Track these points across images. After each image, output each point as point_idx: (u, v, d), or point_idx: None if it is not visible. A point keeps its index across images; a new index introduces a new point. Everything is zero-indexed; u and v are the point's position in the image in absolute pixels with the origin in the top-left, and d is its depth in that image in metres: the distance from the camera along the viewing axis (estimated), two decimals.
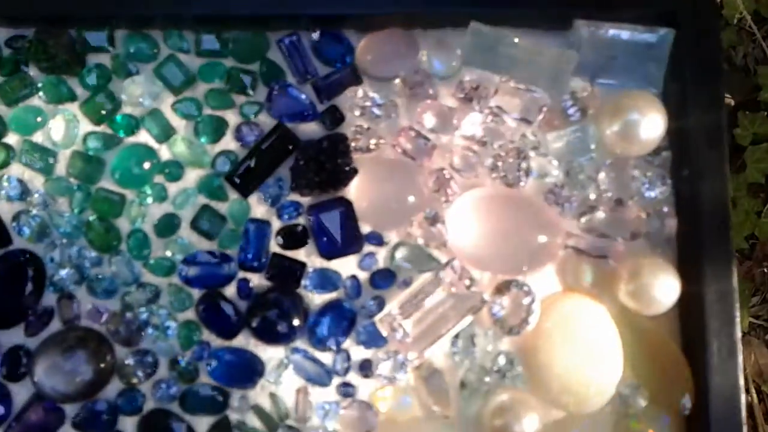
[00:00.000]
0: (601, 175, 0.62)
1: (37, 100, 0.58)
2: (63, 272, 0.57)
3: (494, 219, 0.59)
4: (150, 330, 0.58)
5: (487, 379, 0.60)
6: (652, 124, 0.60)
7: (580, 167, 0.62)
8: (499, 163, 0.61)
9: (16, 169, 0.58)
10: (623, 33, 0.62)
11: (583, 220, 0.62)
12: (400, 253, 0.60)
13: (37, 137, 0.59)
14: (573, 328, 0.60)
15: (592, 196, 0.62)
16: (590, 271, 0.61)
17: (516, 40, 0.61)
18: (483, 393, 0.60)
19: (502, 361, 0.60)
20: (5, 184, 0.57)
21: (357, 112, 0.60)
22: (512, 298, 0.60)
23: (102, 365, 0.57)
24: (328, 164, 0.58)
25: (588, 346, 0.60)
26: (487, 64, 0.61)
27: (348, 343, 0.60)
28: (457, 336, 0.60)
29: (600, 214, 0.61)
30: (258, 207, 0.60)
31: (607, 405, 0.60)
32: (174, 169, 0.58)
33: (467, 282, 0.59)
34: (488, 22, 0.60)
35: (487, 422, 0.59)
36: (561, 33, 0.62)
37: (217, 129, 0.59)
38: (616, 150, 0.62)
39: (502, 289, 0.60)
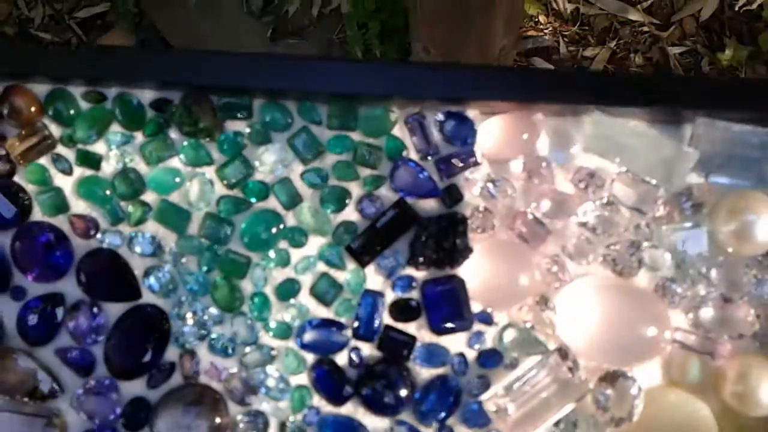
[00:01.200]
0: (713, 272, 0.64)
1: (177, 162, 0.63)
2: (186, 328, 0.61)
3: (604, 308, 0.62)
4: (263, 390, 0.61)
5: None
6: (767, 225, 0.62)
7: (691, 262, 0.64)
8: (612, 253, 0.63)
9: (151, 226, 0.63)
10: (742, 132, 0.64)
11: (691, 315, 0.64)
12: (508, 335, 0.64)
13: (174, 197, 0.63)
14: (675, 423, 0.62)
15: (702, 292, 0.64)
16: (696, 367, 0.64)
17: (635, 131, 0.63)
18: None
19: None
20: (140, 239, 0.62)
21: (476, 192, 0.64)
22: (618, 388, 0.62)
23: (217, 421, 0.61)
24: (446, 242, 0.62)
25: None
26: (605, 152, 0.65)
27: (452, 421, 0.64)
28: (559, 422, 0.63)
29: (708, 311, 0.64)
30: (374, 278, 0.64)
31: None
32: (298, 236, 0.63)
33: (573, 369, 0.61)
34: (610, 113, 0.63)
35: None
36: (680, 128, 0.66)
37: (341, 199, 0.64)
38: (729, 248, 0.64)
39: (608, 378, 0.63)
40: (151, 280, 0.62)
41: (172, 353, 0.62)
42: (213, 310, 0.62)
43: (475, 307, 0.64)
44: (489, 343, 0.64)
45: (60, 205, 0.63)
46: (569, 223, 0.65)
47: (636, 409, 0.62)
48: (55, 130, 0.63)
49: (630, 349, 0.63)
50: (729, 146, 0.65)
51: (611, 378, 0.63)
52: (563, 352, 0.62)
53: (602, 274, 0.65)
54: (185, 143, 0.63)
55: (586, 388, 0.62)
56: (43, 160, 0.63)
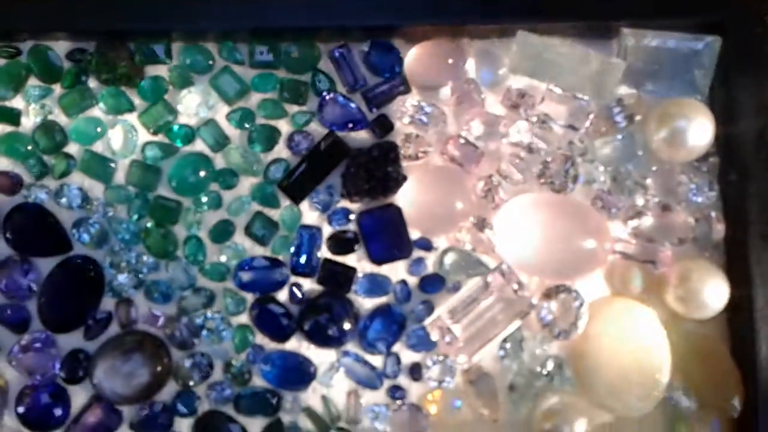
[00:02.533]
0: (648, 181, 0.67)
1: (97, 111, 0.65)
2: (121, 277, 0.63)
3: (542, 224, 0.64)
4: (205, 333, 0.63)
5: (536, 382, 0.65)
6: (699, 130, 0.65)
7: (627, 173, 0.67)
8: (547, 170, 0.66)
9: (76, 178, 0.64)
10: (669, 41, 0.67)
11: (630, 225, 0.67)
12: (448, 259, 0.66)
13: (97, 147, 0.64)
14: (621, 332, 0.65)
15: (640, 202, 0.67)
16: (638, 276, 0.66)
17: (562, 48, 0.65)
18: (532, 396, 0.65)
19: (550, 365, 0.66)
20: (66, 192, 0.63)
21: (406, 121, 0.66)
22: (561, 302, 0.65)
23: (159, 368, 0.62)
24: (378, 172, 0.64)
25: (636, 350, 0.65)
26: (533, 72, 0.67)
27: (398, 347, 0.66)
28: (505, 340, 0.66)
29: (647, 220, 0.67)
30: (309, 214, 0.66)
31: (656, 409, 0.64)
32: (228, 178, 0.65)
33: (515, 287, 0.64)
34: (535, 32, 0.65)
35: (536, 425, 0.65)
36: (607, 42, 0.68)
37: (270, 138, 0.66)
38: (663, 156, 0.67)
39: (550, 293, 0.65)
40: (81, 231, 0.63)
41: (108, 303, 0.64)
42: (147, 258, 0.63)
43: (414, 234, 0.66)
44: (430, 268, 0.66)
45: None
46: (502, 144, 0.67)
47: (581, 320, 0.64)
48: None
49: (571, 262, 0.65)
50: (657, 56, 0.67)
51: (554, 292, 0.65)
52: (504, 271, 0.64)
53: (538, 191, 0.66)
54: (104, 92, 0.64)
55: (530, 304, 0.64)
56: None
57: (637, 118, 0.68)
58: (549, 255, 0.65)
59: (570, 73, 0.67)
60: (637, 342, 0.65)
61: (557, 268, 0.65)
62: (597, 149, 0.68)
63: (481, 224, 0.65)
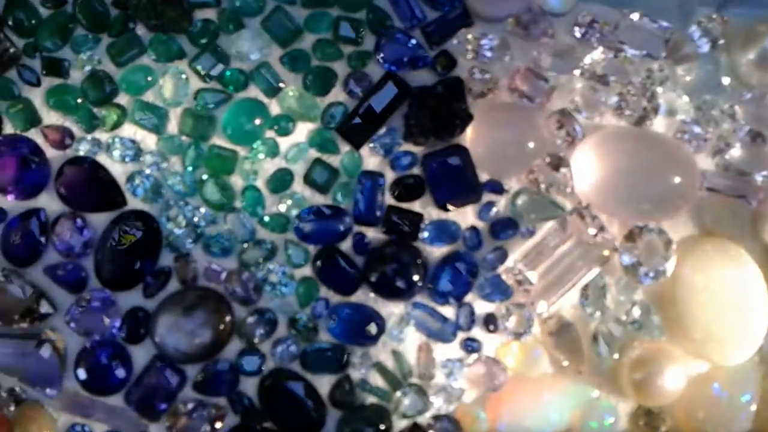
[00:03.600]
0: (736, 109, 0.63)
1: (147, 59, 0.63)
2: (178, 232, 0.62)
3: (623, 160, 0.62)
4: (268, 288, 0.62)
5: (622, 330, 0.62)
6: None
7: (712, 102, 0.64)
8: (624, 101, 0.63)
9: (128, 130, 0.63)
10: None
11: (718, 158, 0.64)
12: (521, 201, 0.64)
13: (148, 96, 0.64)
14: (714, 273, 0.62)
15: (728, 132, 0.63)
16: (729, 213, 0.63)
17: None
18: (618, 345, 0.62)
19: (636, 311, 0.63)
20: (118, 145, 0.62)
21: (469, 56, 0.63)
22: (646, 244, 0.62)
23: (222, 325, 0.61)
24: (442, 111, 0.61)
25: (731, 292, 0.62)
26: None
27: (470, 297, 0.64)
28: (586, 287, 0.63)
29: (737, 151, 0.63)
30: (371, 158, 0.64)
31: (754, 355, 0.60)
32: (284, 124, 0.63)
33: (595, 229, 0.61)
34: None
35: (625, 376, 0.61)
36: None
37: (326, 81, 0.64)
38: (752, 80, 0.64)
39: (634, 235, 0.62)
40: (135, 184, 0.62)
41: (166, 259, 0.63)
42: (204, 210, 0.62)
43: (483, 176, 0.64)
44: (501, 212, 0.64)
45: (31, 117, 0.63)
46: (574, 76, 0.64)
47: (669, 263, 0.61)
48: (17, 41, 0.63)
49: (655, 200, 0.62)
50: None
51: (638, 233, 0.62)
52: (582, 212, 0.61)
53: (616, 124, 0.63)
54: (153, 38, 0.63)
55: (612, 248, 0.61)
56: (9, 74, 0.63)
57: (721, 41, 0.64)
58: (630, 193, 0.62)
59: None
60: (731, 284, 0.62)
61: (640, 207, 0.63)
62: (678, 77, 0.64)
63: (556, 163, 0.63)
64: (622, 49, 0.64)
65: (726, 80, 0.64)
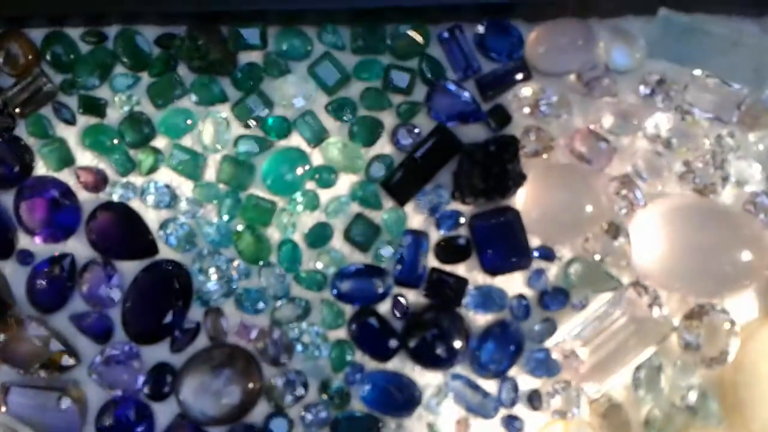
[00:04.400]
0: None
1: (187, 102, 0.62)
2: (210, 284, 0.60)
3: (687, 232, 0.59)
4: (300, 349, 0.59)
5: (677, 416, 0.59)
6: None
7: None
8: (691, 168, 0.60)
9: (164, 175, 0.61)
10: None
11: None
12: (574, 270, 0.61)
13: (186, 141, 0.62)
14: None
15: None
16: None
17: (711, 26, 0.60)
18: None
19: (693, 396, 0.60)
20: (153, 190, 0.61)
21: (526, 111, 0.61)
22: (707, 324, 0.59)
23: (250, 386, 0.60)
24: (494, 170, 0.59)
25: None
26: (675, 55, 0.62)
27: (515, 371, 0.61)
28: (640, 367, 0.60)
29: None
30: (415, 216, 0.62)
31: None
32: (326, 175, 0.61)
33: (653, 305, 0.58)
34: (677, 7, 0.59)
35: None
36: (764, 18, 0.62)
37: (373, 131, 0.62)
38: None
39: (695, 314, 0.60)
40: (168, 233, 0.61)
41: (196, 312, 0.61)
42: (238, 263, 0.60)
43: (534, 241, 0.61)
44: (552, 281, 0.61)
45: (65, 157, 0.62)
46: (638, 138, 0.61)
47: (731, 347, 0.59)
48: (54, 77, 0.62)
49: (720, 277, 0.58)
50: None
51: (699, 313, 0.59)
52: (640, 286, 0.58)
53: (680, 193, 0.60)
54: (195, 80, 0.61)
55: (670, 327, 0.59)
56: (44, 111, 0.62)
57: None
58: (694, 268, 0.59)
59: (719, 55, 0.61)
60: None
61: (703, 284, 0.59)
62: (750, 144, 0.62)
63: (614, 231, 0.60)
64: (691, 112, 0.60)
65: None
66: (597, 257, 0.60)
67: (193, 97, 0.62)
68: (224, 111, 0.62)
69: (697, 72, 0.61)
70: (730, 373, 0.59)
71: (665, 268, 0.59)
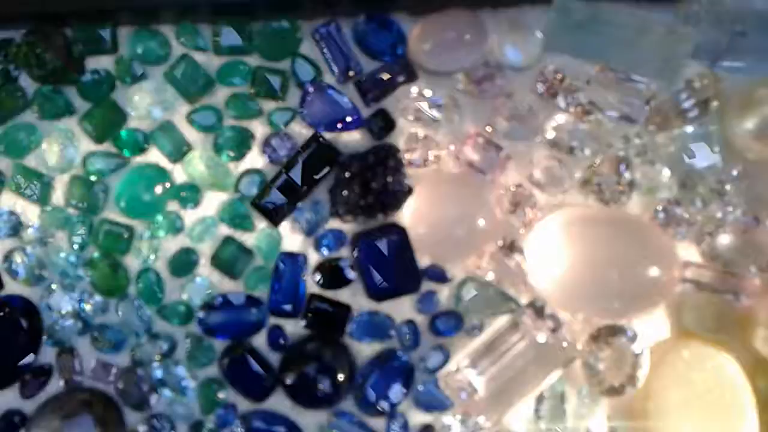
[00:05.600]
0: (728, 187, 0.57)
1: (30, 116, 0.57)
2: (63, 321, 0.56)
3: (589, 247, 0.55)
4: (165, 391, 0.56)
5: None
6: None
7: (699, 177, 0.57)
8: (594, 175, 0.57)
9: (6, 200, 0.58)
10: (754, 1, 0.56)
11: (704, 245, 0.57)
12: (467, 292, 0.57)
13: (30, 161, 0.58)
14: (692, 385, 0.56)
15: (718, 215, 0.57)
16: (715, 312, 0.57)
17: (614, 16, 0.55)
18: None
19: (601, 429, 0.57)
20: None
21: (411, 117, 0.58)
22: (614, 348, 0.56)
23: None
24: (375, 183, 0.55)
25: (714, 409, 0.55)
26: (576, 48, 0.57)
27: (405, 406, 0.58)
28: (541, 396, 0.57)
29: (727, 238, 0.57)
30: (291, 238, 0.58)
31: None
32: (191, 194, 0.58)
33: (553, 328, 0.56)
34: None
35: None
36: (672, 6, 0.57)
37: (242, 143, 0.58)
38: (749, 154, 0.57)
39: (600, 336, 0.57)
40: (13, 265, 0.56)
41: (48, 354, 0.57)
42: (93, 297, 0.56)
43: (423, 260, 0.57)
44: (444, 304, 0.58)
45: None
46: (535, 144, 0.58)
47: (640, 371, 0.56)
48: None
49: (627, 296, 0.55)
50: (738, 22, 0.56)
51: (605, 335, 0.57)
52: (539, 308, 0.55)
53: (583, 204, 0.57)
54: (38, 91, 0.56)
55: (574, 351, 0.56)
56: None
57: (713, 104, 0.57)
58: (597, 287, 0.55)
59: (624, 48, 0.56)
60: (714, 398, 0.55)
61: (609, 304, 0.56)
62: (660, 147, 0.57)
63: (510, 248, 0.57)
64: (593, 111, 0.56)
65: (716, 152, 0.56)
66: (492, 277, 0.56)
67: (36, 110, 0.56)
68: (71, 125, 0.56)
69: (600, 67, 0.56)
70: (640, 400, 0.56)
71: (566, 287, 0.55)
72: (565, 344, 0.56)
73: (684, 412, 0.55)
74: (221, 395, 0.57)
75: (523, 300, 0.57)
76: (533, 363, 0.56)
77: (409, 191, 0.56)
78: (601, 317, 0.57)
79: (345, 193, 0.55)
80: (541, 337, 0.55)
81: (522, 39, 0.58)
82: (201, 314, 0.56)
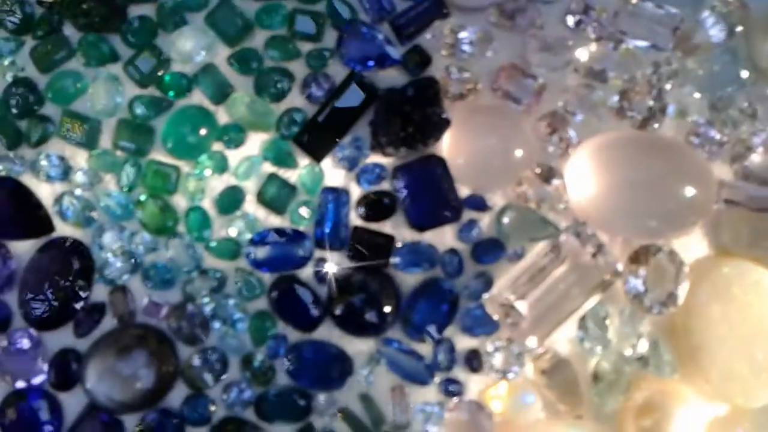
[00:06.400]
0: (758, 107, 0.58)
1: (76, 63, 0.59)
2: (114, 261, 0.57)
3: (626, 170, 0.56)
4: (217, 324, 0.57)
5: (627, 368, 0.57)
6: None
7: (729, 99, 0.59)
8: (627, 101, 0.59)
9: (55, 145, 0.58)
10: None
11: (737, 165, 0.59)
12: (507, 219, 0.59)
13: (78, 106, 0.59)
14: (734, 300, 0.57)
15: (748, 134, 0.59)
16: (751, 229, 0.58)
17: None
18: (623, 386, 0.57)
19: (644, 345, 0.58)
20: (44, 162, 0.58)
21: (445, 52, 0.59)
22: (653, 267, 0.57)
23: (164, 368, 0.57)
24: (415, 115, 0.56)
25: (754, 322, 0.56)
26: None
27: (451, 331, 0.59)
28: (584, 317, 0.58)
29: (759, 157, 0.58)
30: (334, 173, 0.60)
31: None
32: (234, 134, 0.59)
33: (594, 250, 0.56)
34: None
35: (630, 422, 0.56)
36: None
37: (282, 83, 0.60)
38: None
39: (639, 256, 0.58)
40: (64, 208, 0.58)
41: (100, 292, 0.58)
42: (142, 236, 0.58)
43: (463, 190, 0.59)
44: (485, 232, 0.59)
45: None
46: (568, 72, 0.59)
47: (680, 289, 0.57)
48: None
49: (664, 215, 0.56)
50: None
51: (644, 254, 0.58)
52: (579, 230, 0.56)
53: (617, 128, 0.59)
54: (82, 39, 0.58)
55: (614, 272, 0.56)
56: None
57: (739, 28, 0.59)
58: (635, 208, 0.57)
59: None
60: (755, 313, 0.56)
61: (647, 225, 0.57)
62: (689, 71, 0.59)
63: (547, 174, 0.58)
64: (623, 40, 0.58)
65: (745, 74, 0.58)
66: (531, 203, 0.58)
67: (81, 58, 0.58)
68: (116, 70, 0.58)
69: None
70: (682, 317, 0.57)
71: (605, 209, 0.57)
72: (605, 265, 0.56)
73: (725, 328, 0.56)
74: (271, 327, 0.58)
75: (563, 224, 0.58)
76: (575, 285, 0.57)
77: (447, 123, 0.58)
78: (639, 237, 0.58)
79: (386, 125, 0.57)
80: (582, 259, 0.56)
81: None
82: (249, 249, 0.57)
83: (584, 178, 0.57)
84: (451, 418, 0.58)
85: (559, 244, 0.57)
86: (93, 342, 0.58)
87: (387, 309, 0.57)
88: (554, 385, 0.57)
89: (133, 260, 0.58)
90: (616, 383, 0.57)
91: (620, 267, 0.57)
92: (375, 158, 0.59)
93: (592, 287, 0.56)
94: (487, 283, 0.58)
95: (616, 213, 0.57)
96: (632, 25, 0.59)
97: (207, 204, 0.59)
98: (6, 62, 0.59)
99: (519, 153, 0.57)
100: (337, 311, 0.58)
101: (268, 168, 0.59)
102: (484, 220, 0.59)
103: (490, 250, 0.58)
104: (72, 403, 0.58)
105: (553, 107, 0.59)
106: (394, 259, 0.58)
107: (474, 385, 0.58)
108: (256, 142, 0.59)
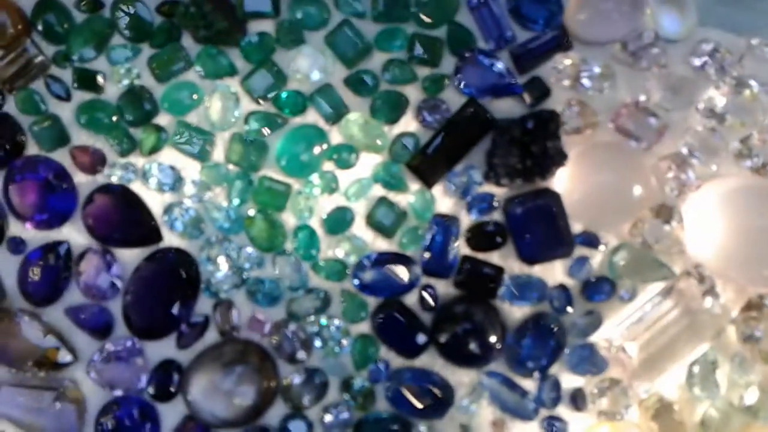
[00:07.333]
0: None
1: (193, 75, 0.60)
2: (220, 274, 0.57)
3: (745, 216, 0.57)
4: (319, 344, 0.57)
5: (736, 417, 0.57)
6: None
7: None
8: (749, 146, 0.58)
9: (168, 155, 0.59)
10: None
11: None
12: (621, 258, 0.59)
13: (192, 117, 0.60)
14: None
15: None
16: None
17: None
18: None
19: (753, 394, 0.57)
20: (155, 171, 0.58)
21: (566, 84, 0.59)
22: (766, 316, 0.57)
23: (265, 385, 0.57)
24: (533, 147, 0.56)
25: None
26: (730, 22, 0.59)
27: (556, 368, 0.59)
28: (694, 363, 0.58)
29: None
30: (444, 200, 0.60)
31: None
32: (346, 155, 0.59)
33: (708, 297, 0.56)
34: None
35: None
36: None
37: (397, 107, 0.60)
38: None
39: (755, 304, 0.58)
40: (173, 218, 0.58)
41: (204, 305, 0.59)
42: (250, 251, 0.58)
43: (576, 226, 0.59)
44: (596, 270, 0.59)
45: (58, 136, 0.60)
46: (690, 113, 0.59)
47: None
48: (46, 48, 0.60)
49: None
50: None
51: (759, 303, 0.58)
52: (695, 275, 0.56)
53: (737, 173, 0.58)
54: (201, 51, 0.59)
55: (727, 319, 0.56)
56: (35, 85, 0.60)
57: None
58: (753, 255, 0.57)
59: None
60: None
61: (763, 273, 0.57)
62: None
63: (665, 215, 0.58)
64: (747, 84, 0.58)
65: None
66: (647, 244, 0.57)
67: (199, 70, 0.59)
68: (233, 85, 0.59)
69: (755, 41, 0.58)
70: None
71: (722, 255, 0.57)
72: (719, 312, 0.56)
73: None
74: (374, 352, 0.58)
75: (678, 268, 0.58)
76: (686, 330, 0.57)
77: (565, 157, 0.58)
78: (755, 285, 0.57)
79: (504, 156, 0.57)
80: (697, 305, 0.56)
81: (677, 11, 0.60)
82: (356, 271, 0.58)
83: (704, 221, 0.57)
84: None
85: (672, 287, 0.57)
86: (197, 355, 0.58)
87: (492, 340, 0.58)
88: (660, 430, 0.57)
89: (239, 275, 0.58)
90: (724, 431, 0.57)
91: (734, 314, 0.56)
92: (488, 188, 0.59)
93: (703, 333, 0.56)
94: (596, 322, 0.58)
95: (732, 259, 0.57)
96: (757, 69, 0.58)
97: (315, 223, 0.59)
98: (122, 70, 0.60)
99: (637, 191, 0.57)
100: (441, 339, 0.58)
101: (379, 190, 0.59)
102: (596, 258, 0.59)
103: (600, 288, 0.58)
104: (170, 414, 0.58)
105: (674, 148, 0.58)
106: (502, 291, 0.58)
107: (577, 424, 0.58)
108: (367, 164, 0.60)
